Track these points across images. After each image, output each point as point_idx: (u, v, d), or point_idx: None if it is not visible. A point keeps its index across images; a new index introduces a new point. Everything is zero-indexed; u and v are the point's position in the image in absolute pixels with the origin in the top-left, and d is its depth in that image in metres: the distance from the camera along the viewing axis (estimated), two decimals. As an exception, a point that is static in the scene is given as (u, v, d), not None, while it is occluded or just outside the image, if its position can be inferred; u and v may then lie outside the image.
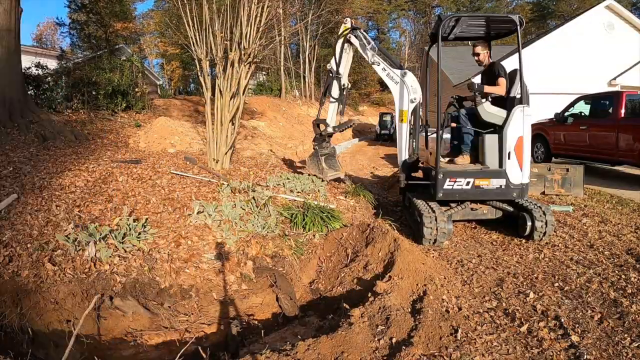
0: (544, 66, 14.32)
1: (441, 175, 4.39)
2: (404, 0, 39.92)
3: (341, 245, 4.36)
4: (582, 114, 8.30)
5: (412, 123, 5.08)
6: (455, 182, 4.40)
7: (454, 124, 4.99)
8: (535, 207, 4.40)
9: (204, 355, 2.43)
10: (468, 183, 4.40)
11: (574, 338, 2.44)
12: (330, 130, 6.21)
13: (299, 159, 10.91)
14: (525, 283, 3.32)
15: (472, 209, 4.78)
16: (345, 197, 6.17)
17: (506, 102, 4.58)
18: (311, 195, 5.64)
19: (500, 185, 4.39)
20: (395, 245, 3.73)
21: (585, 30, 14.55)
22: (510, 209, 4.69)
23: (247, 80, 6.62)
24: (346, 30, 5.70)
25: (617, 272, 3.40)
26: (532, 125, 9.99)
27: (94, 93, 10.10)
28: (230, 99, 6.41)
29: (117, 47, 18.36)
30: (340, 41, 5.80)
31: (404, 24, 43.10)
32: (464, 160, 4.77)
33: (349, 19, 5.91)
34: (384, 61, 5.28)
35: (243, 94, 6.57)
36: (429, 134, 5.51)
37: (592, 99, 8.17)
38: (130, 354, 3.00)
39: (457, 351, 2.32)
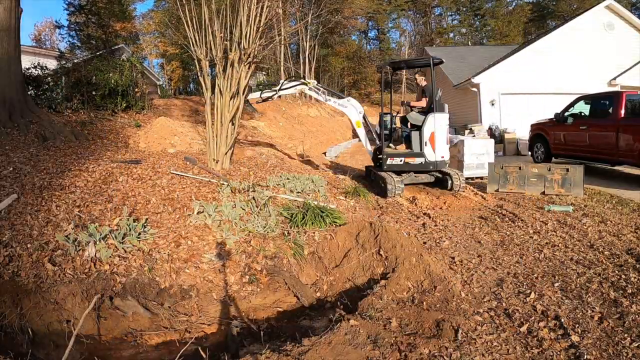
0: (543, 66, 14.34)
1: (385, 156, 7.06)
2: (404, 0, 39.85)
3: (343, 245, 4.36)
4: (582, 114, 8.30)
5: (365, 126, 7.59)
6: (393, 160, 7.05)
7: (398, 125, 7.84)
8: (454, 173, 6.97)
9: (204, 355, 2.43)
10: (401, 160, 7.05)
11: (574, 338, 2.44)
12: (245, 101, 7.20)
13: (301, 157, 10.92)
14: (525, 283, 3.32)
15: (415, 176, 7.29)
16: (345, 197, 6.17)
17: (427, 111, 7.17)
18: (311, 195, 5.64)
19: (421, 162, 6.96)
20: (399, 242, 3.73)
21: (585, 30, 14.55)
22: (440, 175, 7.22)
23: (247, 80, 6.61)
24: (307, 85, 7.65)
25: (617, 272, 3.40)
26: (532, 126, 10.12)
27: (93, 93, 10.09)
28: (230, 99, 6.41)
29: (116, 47, 18.35)
30: (297, 86, 7.81)
31: (404, 24, 43.02)
32: (401, 148, 7.35)
33: (314, 81, 7.73)
34: (333, 97, 7.79)
35: (243, 94, 6.57)
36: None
37: (592, 99, 8.17)
38: (130, 354, 3.00)
39: (457, 351, 2.32)
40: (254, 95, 7.94)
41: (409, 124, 7.47)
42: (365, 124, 7.59)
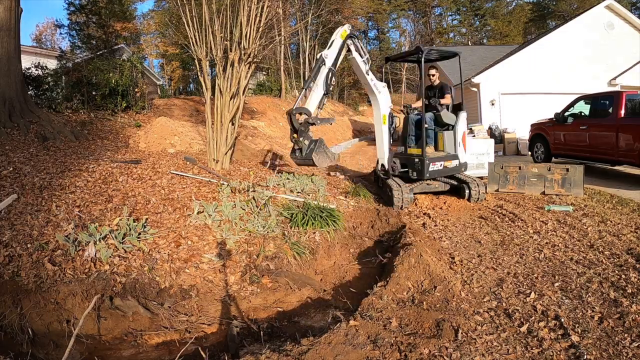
0: (544, 66, 14.32)
1: (427, 161, 5.98)
2: (403, 0, 39.88)
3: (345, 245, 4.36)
4: (582, 114, 8.30)
5: (390, 124, 6.48)
6: (435, 165, 6.09)
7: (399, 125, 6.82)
8: (472, 181, 6.28)
9: (204, 355, 2.43)
10: (441, 165, 6.16)
11: (574, 338, 2.44)
12: (311, 120, 5.34)
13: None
14: (525, 283, 3.32)
15: (427, 184, 6.40)
16: (345, 197, 6.17)
17: (454, 109, 6.55)
18: (311, 195, 5.64)
19: (456, 165, 6.28)
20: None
21: (585, 30, 14.54)
22: (455, 182, 6.48)
23: (247, 80, 6.62)
24: (345, 34, 5.76)
25: (617, 272, 3.39)
26: (532, 125, 10.11)
27: (93, 93, 10.10)
28: (230, 99, 6.41)
29: (117, 47, 18.34)
30: (341, 41, 5.75)
31: (403, 24, 43.10)
32: (430, 150, 6.31)
33: (348, 26, 5.93)
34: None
35: (243, 94, 6.57)
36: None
37: (592, 99, 8.16)
38: (130, 354, 2.99)
39: (457, 351, 2.32)
40: (312, 106, 5.48)
41: (429, 123, 6.43)
42: (391, 122, 6.48)
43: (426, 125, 6.23)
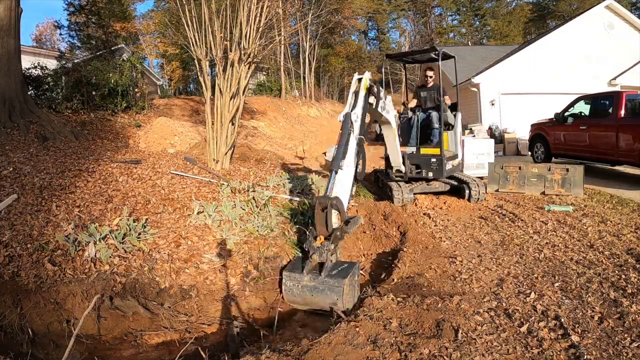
0: (544, 66, 14.33)
1: (445, 160, 6.00)
2: (403, 0, 39.87)
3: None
4: (582, 114, 8.30)
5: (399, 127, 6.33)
6: (449, 164, 6.17)
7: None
8: (472, 181, 6.23)
9: (204, 355, 2.43)
10: (451, 164, 6.27)
11: (574, 338, 2.44)
12: (345, 229, 3.46)
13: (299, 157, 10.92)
14: (525, 283, 3.32)
15: (427, 184, 6.41)
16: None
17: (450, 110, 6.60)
18: (311, 195, 5.64)
19: (459, 163, 6.49)
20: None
21: (585, 30, 14.54)
22: (455, 182, 6.44)
23: (247, 80, 6.62)
24: (366, 86, 4.27)
25: (617, 272, 3.39)
26: (532, 126, 10.11)
27: (93, 93, 10.09)
28: (230, 99, 6.41)
29: (116, 47, 18.35)
30: (364, 94, 4.23)
31: (403, 24, 43.09)
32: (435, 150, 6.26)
33: (369, 74, 4.41)
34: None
35: (243, 94, 6.57)
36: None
37: (592, 99, 8.16)
38: (130, 354, 2.99)
39: (457, 351, 2.32)
40: (344, 197, 3.62)
41: (435, 122, 6.38)
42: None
43: (436, 126, 6.30)
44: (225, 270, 3.72)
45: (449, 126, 6.56)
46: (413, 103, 6.84)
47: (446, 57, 6.59)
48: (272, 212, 4.69)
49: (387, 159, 6.50)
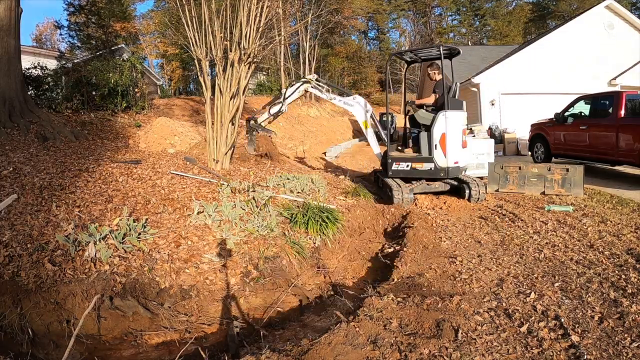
0: (544, 66, 14.33)
1: (390, 160, 6.42)
2: (403, 0, 39.86)
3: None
4: (582, 114, 8.30)
5: (374, 126, 6.81)
6: (399, 165, 6.35)
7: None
8: (472, 181, 6.25)
9: (204, 355, 2.43)
10: (407, 165, 6.31)
11: (574, 338, 2.44)
12: (256, 125, 7.13)
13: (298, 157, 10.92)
14: (525, 283, 3.32)
15: (427, 184, 6.51)
16: (345, 197, 6.17)
17: (436, 110, 6.33)
18: (311, 195, 5.64)
19: (430, 168, 6.15)
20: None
21: (585, 30, 14.54)
22: (455, 182, 6.48)
23: (247, 80, 6.62)
24: (309, 82, 6.95)
25: (617, 272, 3.39)
26: (532, 126, 10.11)
27: (93, 93, 10.10)
28: (230, 99, 6.41)
29: (116, 47, 18.35)
30: (300, 86, 7.01)
31: (403, 24, 43.06)
32: (409, 151, 6.65)
33: (314, 75, 7.17)
34: (338, 95, 7.16)
35: (243, 94, 6.57)
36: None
37: (592, 99, 8.16)
38: (130, 354, 3.00)
39: (457, 351, 2.32)
40: (263, 117, 7.13)
41: (421, 125, 6.60)
42: (375, 124, 6.86)
43: (407, 126, 6.85)
44: (225, 270, 3.72)
45: (425, 127, 6.33)
46: (429, 99, 6.80)
47: (450, 54, 6.53)
48: (272, 212, 4.69)
49: (384, 157, 6.85)
